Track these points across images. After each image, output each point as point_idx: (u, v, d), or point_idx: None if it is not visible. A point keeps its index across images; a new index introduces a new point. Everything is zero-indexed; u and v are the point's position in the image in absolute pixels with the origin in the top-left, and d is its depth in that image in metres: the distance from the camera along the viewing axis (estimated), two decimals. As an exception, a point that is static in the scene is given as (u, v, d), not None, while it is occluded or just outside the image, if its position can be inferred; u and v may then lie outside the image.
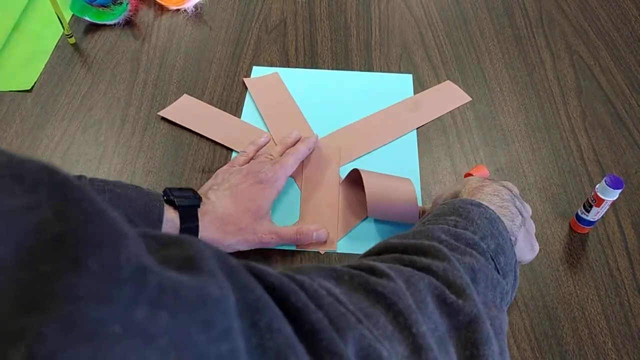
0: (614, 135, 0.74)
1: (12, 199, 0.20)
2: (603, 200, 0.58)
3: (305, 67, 0.82)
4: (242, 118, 0.75)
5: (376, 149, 0.72)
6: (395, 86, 0.80)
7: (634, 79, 0.81)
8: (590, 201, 0.60)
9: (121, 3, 0.88)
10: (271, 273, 0.28)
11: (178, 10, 0.91)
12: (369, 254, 0.44)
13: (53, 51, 0.84)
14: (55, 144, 0.72)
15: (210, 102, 0.77)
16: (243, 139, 0.71)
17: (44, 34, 0.87)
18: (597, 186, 0.59)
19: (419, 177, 0.68)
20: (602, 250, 0.62)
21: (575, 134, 0.74)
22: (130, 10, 0.89)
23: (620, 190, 0.58)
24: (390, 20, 0.90)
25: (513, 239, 0.48)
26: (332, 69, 0.82)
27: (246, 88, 0.79)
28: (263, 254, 0.61)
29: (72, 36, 0.85)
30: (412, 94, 0.79)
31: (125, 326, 0.19)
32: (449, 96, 0.78)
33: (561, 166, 0.70)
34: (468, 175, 0.67)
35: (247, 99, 0.78)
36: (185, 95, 0.78)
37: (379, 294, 0.34)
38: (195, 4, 0.91)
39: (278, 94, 0.78)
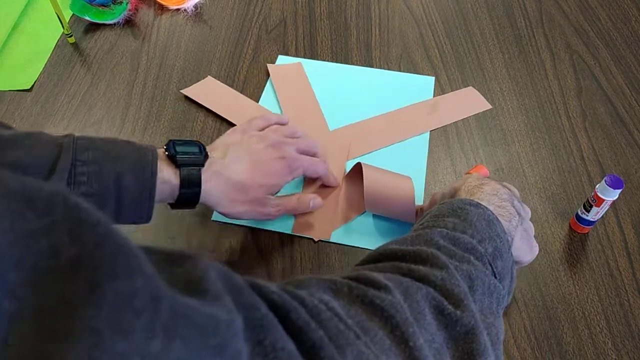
0: (614, 135, 0.74)
1: (26, 223, 0.20)
2: (603, 200, 0.58)
3: (305, 66, 0.82)
4: (260, 102, 0.77)
5: (386, 147, 0.72)
6: (416, 87, 0.79)
7: (634, 79, 0.81)
8: (590, 201, 0.60)
9: (121, 3, 0.88)
10: (273, 290, 0.29)
11: (178, 10, 0.91)
12: (368, 260, 0.43)
13: (53, 51, 0.84)
14: (55, 143, 0.72)
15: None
16: None
17: (44, 33, 0.87)
18: (597, 186, 0.59)
19: (424, 179, 0.68)
20: (602, 250, 0.62)
21: (575, 134, 0.74)
22: (130, 10, 0.88)
23: (620, 190, 0.58)
24: (390, 20, 0.90)
25: (510, 239, 0.48)
26: (332, 68, 0.82)
27: (268, 75, 0.80)
28: (258, 247, 0.61)
29: (71, 36, 0.85)
30: (432, 97, 0.78)
31: (143, 358, 0.20)
32: (468, 102, 0.77)
33: (561, 166, 0.70)
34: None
35: (268, 85, 0.79)
36: (209, 77, 0.80)
37: (376, 306, 0.34)
38: (195, 4, 0.91)
39: (298, 83, 0.79)
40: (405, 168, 0.67)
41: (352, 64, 0.83)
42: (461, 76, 0.81)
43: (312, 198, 0.61)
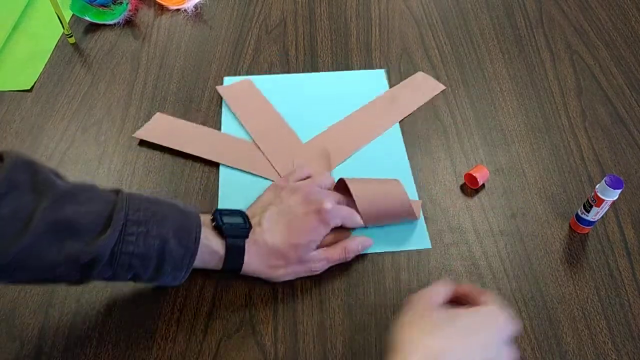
0: (614, 135, 0.74)
1: None
2: (603, 200, 0.58)
3: (305, 67, 0.82)
4: (222, 129, 0.73)
5: (363, 147, 0.72)
6: (369, 83, 0.80)
7: (634, 79, 0.81)
8: (590, 201, 0.60)
9: (121, 3, 0.88)
10: None
11: (178, 10, 0.91)
12: None
13: (53, 51, 0.84)
14: (55, 143, 0.72)
15: (210, 103, 0.77)
16: (226, 151, 0.70)
17: (44, 34, 0.87)
18: (597, 186, 0.59)
19: (409, 169, 0.69)
20: (602, 250, 0.62)
21: (575, 134, 0.74)
22: (130, 10, 0.89)
23: (620, 190, 0.58)
24: (390, 20, 0.90)
25: None
26: (333, 69, 0.82)
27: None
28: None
29: (72, 36, 0.85)
30: (388, 89, 0.79)
31: None
32: (423, 87, 0.79)
33: (561, 166, 0.70)
34: (468, 175, 0.67)
35: (224, 109, 0.75)
36: (158, 113, 0.75)
37: None
38: (195, 4, 0.91)
39: (254, 100, 0.76)
40: (387, 163, 0.69)
41: (353, 64, 0.83)
42: (461, 76, 0.81)
43: (361, 242, 0.59)
